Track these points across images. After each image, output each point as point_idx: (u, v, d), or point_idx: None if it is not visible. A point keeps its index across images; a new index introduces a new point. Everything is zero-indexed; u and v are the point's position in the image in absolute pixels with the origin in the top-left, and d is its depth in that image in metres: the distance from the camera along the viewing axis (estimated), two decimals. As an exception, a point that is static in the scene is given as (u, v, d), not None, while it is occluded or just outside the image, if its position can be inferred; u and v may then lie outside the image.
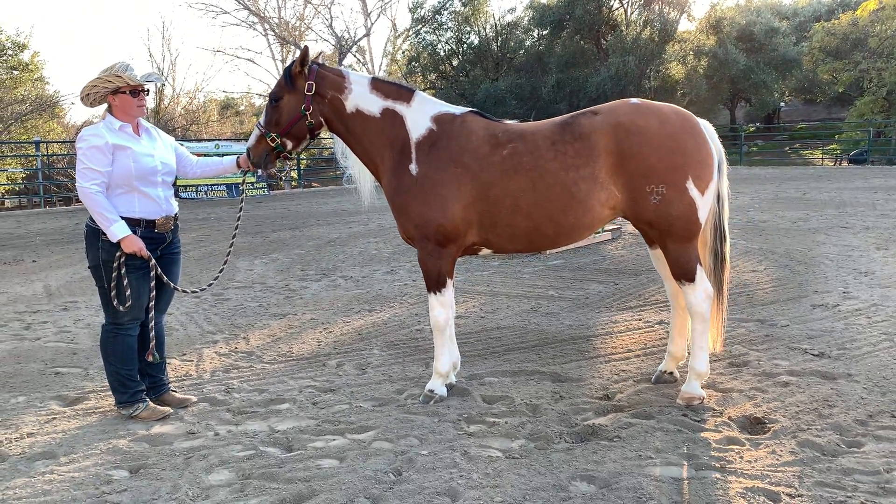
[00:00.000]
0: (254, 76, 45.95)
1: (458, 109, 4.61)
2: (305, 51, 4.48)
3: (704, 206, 4.32)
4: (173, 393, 4.74)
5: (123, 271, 4.26)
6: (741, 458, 3.73)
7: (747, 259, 9.41)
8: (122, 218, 4.24)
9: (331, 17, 39.85)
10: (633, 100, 4.45)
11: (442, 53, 43.25)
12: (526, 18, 42.10)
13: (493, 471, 3.64)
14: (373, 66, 46.29)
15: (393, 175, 4.51)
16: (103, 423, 4.43)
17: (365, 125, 4.56)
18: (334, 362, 5.55)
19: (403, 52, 45.49)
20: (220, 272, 5.11)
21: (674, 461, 3.70)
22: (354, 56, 45.50)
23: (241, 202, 4.88)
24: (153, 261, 4.34)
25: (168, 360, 5.65)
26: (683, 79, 35.66)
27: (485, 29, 43.01)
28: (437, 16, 42.23)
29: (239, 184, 21.19)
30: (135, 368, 4.48)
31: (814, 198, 17.00)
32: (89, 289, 8.66)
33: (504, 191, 4.33)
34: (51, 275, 9.87)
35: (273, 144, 4.58)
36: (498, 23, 42.68)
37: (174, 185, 4.62)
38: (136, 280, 4.31)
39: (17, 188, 29.11)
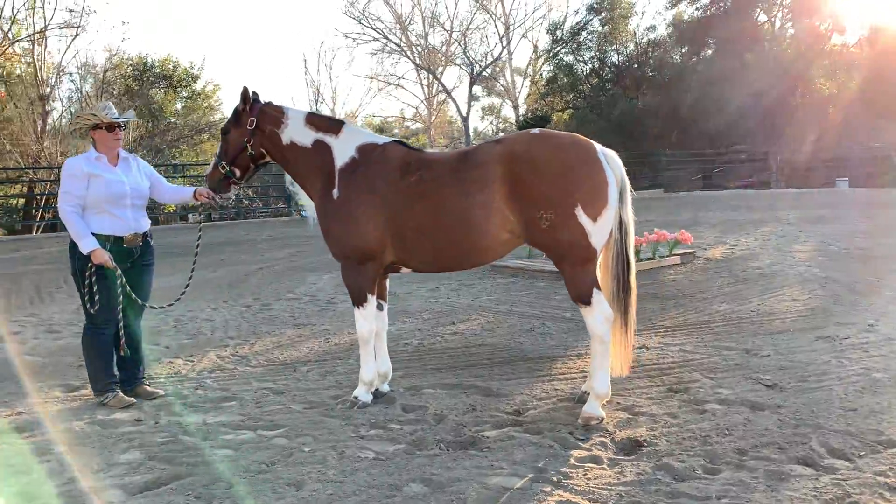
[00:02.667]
0: (403, 100, 48.24)
1: (382, 140, 5.03)
2: (244, 91, 5.10)
3: (598, 232, 4.45)
4: (145, 386, 5.46)
5: (94, 279, 5.03)
6: (584, 475, 3.85)
7: (801, 286, 8.97)
8: (95, 234, 5.02)
9: (465, 44, 40.89)
10: (535, 130, 4.67)
11: (580, 73, 43.17)
12: (668, 37, 41.16)
13: (349, 469, 4.00)
14: (513, 88, 47.07)
15: (320, 199, 5.00)
16: (78, 408, 5.22)
17: (298, 155, 5.08)
18: (305, 369, 6.09)
19: (542, 75, 45.88)
20: (182, 294, 5.85)
21: (520, 473, 3.88)
22: (496, 80, 46.48)
23: (199, 232, 5.65)
24: (119, 271, 5.09)
25: (171, 360, 6.45)
26: (834, 95, 33.39)
27: (624, 47, 42.55)
28: (575, 36, 42.29)
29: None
30: (109, 362, 5.24)
31: (947, 224, 15.56)
32: (166, 297, 9.80)
33: (410, 215, 4.69)
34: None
35: (224, 171, 5.22)
36: (638, 42, 42.07)
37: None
38: (105, 287, 5.07)
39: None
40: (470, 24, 41.90)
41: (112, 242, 5.10)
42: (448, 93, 40.84)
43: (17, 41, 35.90)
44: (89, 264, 5.01)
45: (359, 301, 4.98)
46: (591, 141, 4.59)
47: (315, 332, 7.52)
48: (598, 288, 4.55)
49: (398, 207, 4.71)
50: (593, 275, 4.54)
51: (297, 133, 5.08)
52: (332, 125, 5.10)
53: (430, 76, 43.19)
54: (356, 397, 5.06)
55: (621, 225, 4.60)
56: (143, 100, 41.42)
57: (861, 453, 4.00)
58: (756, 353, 6.07)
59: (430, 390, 5.38)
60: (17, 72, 38.73)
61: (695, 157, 37.37)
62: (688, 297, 8.61)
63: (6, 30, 34.57)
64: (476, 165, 4.58)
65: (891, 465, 3.84)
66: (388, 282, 5.32)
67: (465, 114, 39.96)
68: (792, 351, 6.10)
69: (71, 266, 5.17)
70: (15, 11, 34.01)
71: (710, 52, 39.63)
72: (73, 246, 5.11)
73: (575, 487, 3.70)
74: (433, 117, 51.23)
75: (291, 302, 9.32)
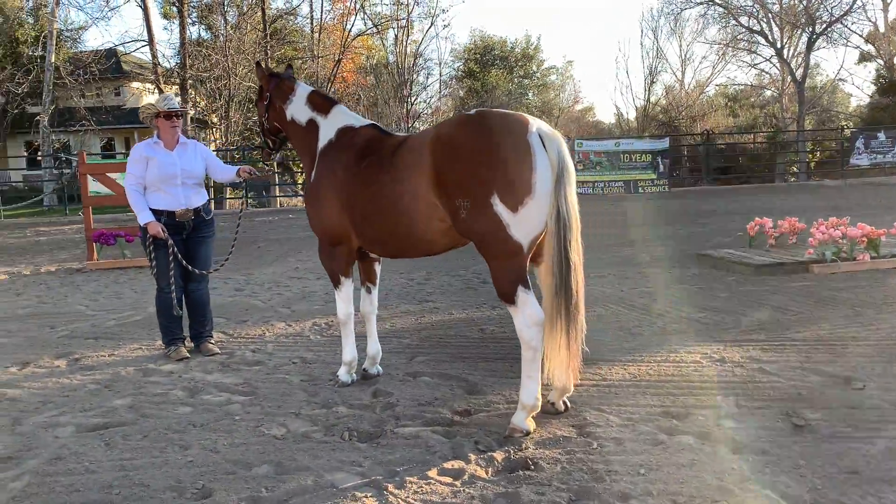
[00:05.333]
0: (756, 66, 43.75)
1: (359, 123, 4.98)
2: (258, 65, 5.46)
3: (520, 224, 3.93)
4: (208, 344, 6.19)
5: (152, 248, 5.87)
6: (420, 488, 3.51)
7: None
8: (152, 209, 5.84)
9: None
10: (471, 111, 4.26)
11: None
12: None
13: (238, 442, 4.16)
14: (888, 46, 40.26)
15: (306, 180, 5.16)
16: (147, 357, 6.13)
17: (295, 132, 5.25)
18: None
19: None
20: (223, 263, 6.42)
21: (368, 474, 3.67)
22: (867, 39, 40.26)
23: (240, 215, 6.15)
24: (170, 241, 5.84)
25: (274, 323, 7.17)
26: None
27: None
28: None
29: (635, 181, 21.62)
30: (174, 320, 6.05)
31: None
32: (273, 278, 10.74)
33: (357, 200, 4.63)
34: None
35: (261, 142, 5.64)
36: None
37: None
38: (162, 256, 5.88)
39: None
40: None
41: (166, 216, 5.88)
42: (780, 56, 36.50)
43: (374, 32, 40.62)
44: (148, 235, 5.85)
45: (334, 283, 5.06)
46: (526, 120, 4.04)
47: (424, 309, 7.67)
48: (526, 286, 4.03)
49: (349, 192, 4.68)
50: (519, 271, 4.03)
51: (297, 110, 5.23)
52: (326, 104, 5.15)
53: (791, 35, 38.72)
54: (337, 377, 5.17)
55: (559, 216, 4.00)
56: (479, 80, 44.16)
57: (767, 530, 3.05)
58: (850, 384, 4.76)
59: (426, 378, 5.24)
60: (385, 61, 44.00)
61: None
62: (871, 308, 6.89)
63: (352, 24, 39.14)
64: (409, 150, 4.36)
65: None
66: (377, 266, 5.28)
67: (799, 78, 35.37)
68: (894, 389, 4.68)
69: (140, 237, 6.09)
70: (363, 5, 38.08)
71: None
72: (142, 220, 6.01)
73: (390, 497, 3.43)
74: (785, 85, 46.23)
75: (454, 278, 9.52)
